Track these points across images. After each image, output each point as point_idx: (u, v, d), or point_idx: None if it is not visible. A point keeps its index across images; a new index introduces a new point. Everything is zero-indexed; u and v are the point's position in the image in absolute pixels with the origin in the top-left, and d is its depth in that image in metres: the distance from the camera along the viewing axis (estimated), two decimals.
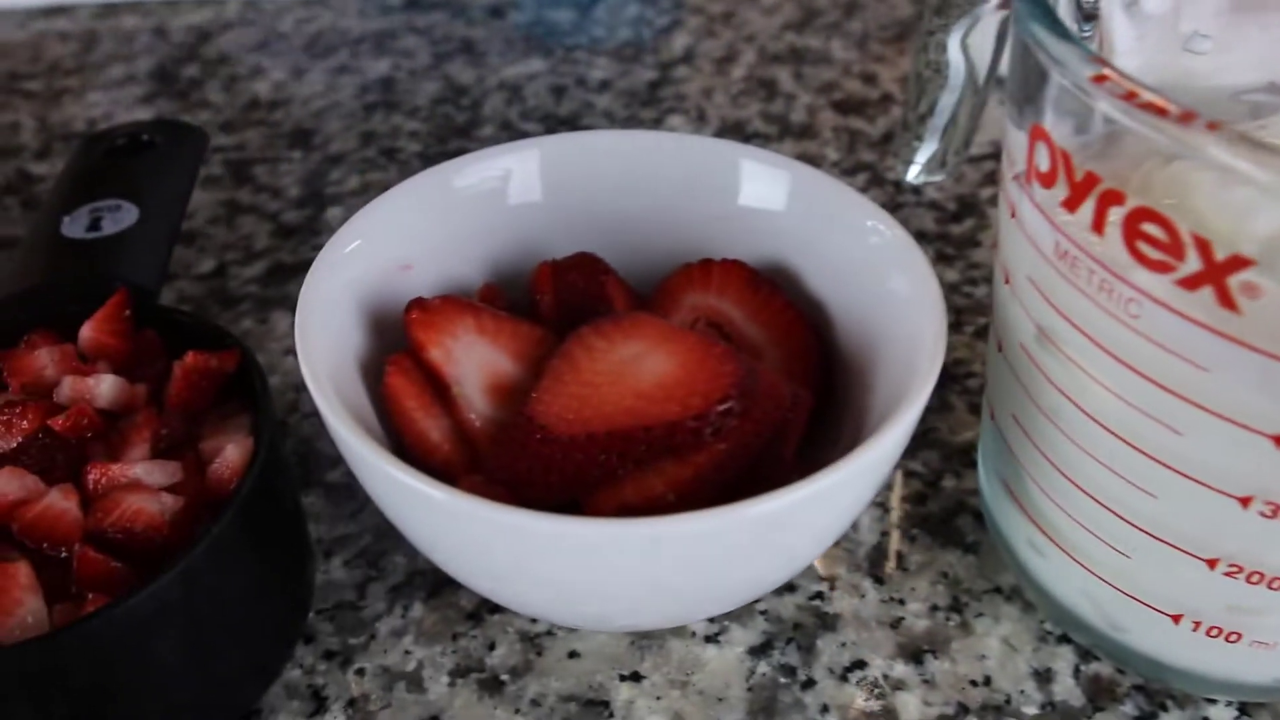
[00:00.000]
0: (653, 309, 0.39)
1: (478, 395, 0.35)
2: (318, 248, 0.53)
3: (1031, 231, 0.32)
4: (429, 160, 0.60)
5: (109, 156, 0.47)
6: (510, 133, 0.61)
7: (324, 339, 0.34)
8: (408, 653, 0.38)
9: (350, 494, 0.43)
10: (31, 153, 0.62)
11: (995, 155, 0.61)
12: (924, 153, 0.44)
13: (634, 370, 0.34)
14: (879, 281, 0.37)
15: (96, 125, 0.63)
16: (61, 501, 0.33)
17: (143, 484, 0.34)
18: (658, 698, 0.36)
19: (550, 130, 0.61)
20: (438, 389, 0.35)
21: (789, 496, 0.30)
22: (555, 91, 0.65)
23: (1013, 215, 0.33)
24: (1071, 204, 0.29)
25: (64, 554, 0.32)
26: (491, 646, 0.38)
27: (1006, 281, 0.34)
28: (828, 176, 0.39)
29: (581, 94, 0.65)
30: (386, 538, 0.41)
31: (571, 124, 0.62)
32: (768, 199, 0.40)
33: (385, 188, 0.53)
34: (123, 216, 0.43)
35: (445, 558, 0.34)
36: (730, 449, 0.33)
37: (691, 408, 0.33)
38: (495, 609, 0.39)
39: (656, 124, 0.62)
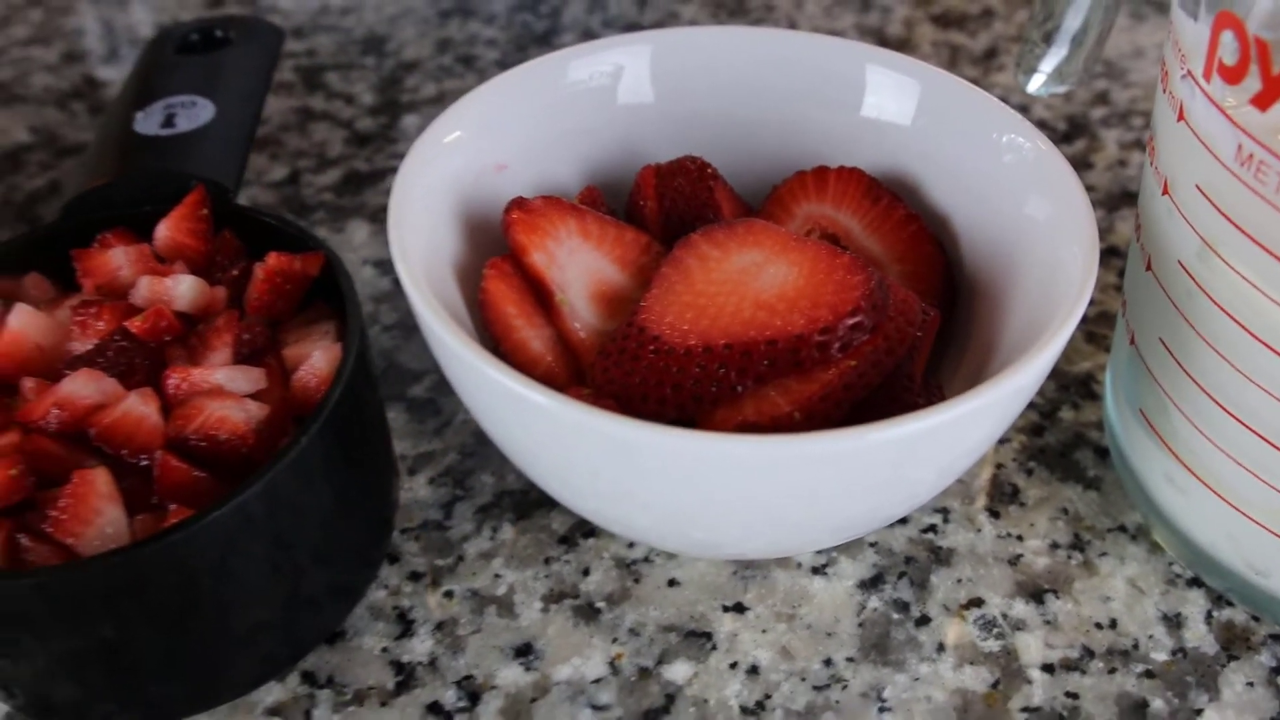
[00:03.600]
0: (763, 218, 0.37)
1: (583, 303, 0.33)
2: (395, 156, 0.51)
3: (1206, 134, 0.29)
4: (507, 69, 0.57)
5: (182, 52, 0.45)
6: None
7: (419, 237, 0.32)
8: (498, 576, 0.36)
9: (434, 410, 0.41)
10: (98, 57, 0.59)
11: (1107, 74, 0.57)
12: (1050, 61, 0.40)
13: (752, 280, 0.32)
14: (1018, 201, 0.34)
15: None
16: (141, 406, 0.31)
17: (225, 390, 0.32)
18: (763, 630, 0.34)
19: None
20: (539, 296, 0.33)
21: (929, 420, 0.27)
22: (638, 0, 0.62)
23: (1180, 118, 0.30)
24: (1263, 101, 0.26)
25: (144, 462, 0.31)
26: (586, 572, 0.36)
27: (1165, 192, 0.31)
28: (965, 84, 0.36)
29: (666, 3, 0.61)
30: (472, 456, 0.39)
31: None
32: (894, 108, 0.37)
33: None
34: (198, 113, 0.41)
35: (546, 473, 0.31)
36: (860, 367, 0.30)
37: (818, 321, 0.30)
38: (590, 533, 0.37)
39: None
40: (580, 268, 0.33)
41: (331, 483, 0.32)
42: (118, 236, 0.37)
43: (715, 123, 0.38)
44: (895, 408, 0.31)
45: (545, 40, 0.59)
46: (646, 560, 0.36)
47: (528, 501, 0.38)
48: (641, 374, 0.31)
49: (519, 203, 0.33)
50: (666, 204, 0.36)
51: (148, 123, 0.40)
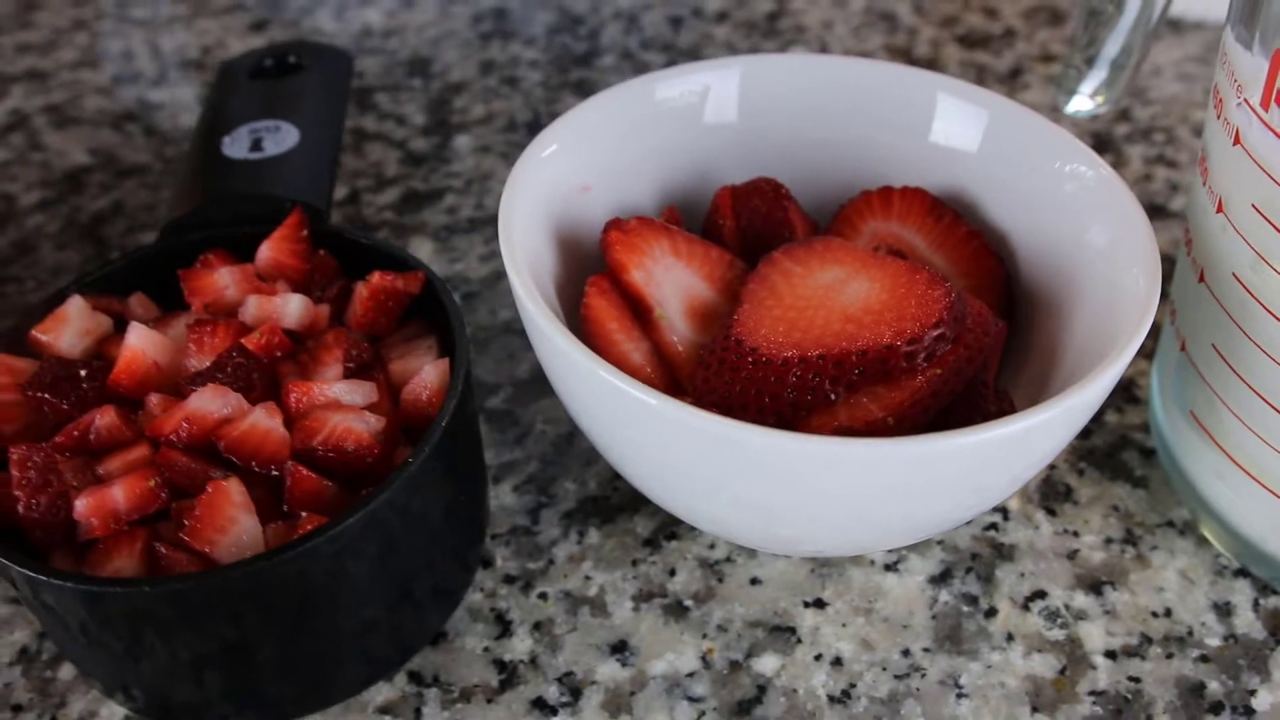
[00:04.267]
0: (831, 235, 0.39)
1: (678, 318, 0.35)
2: (450, 175, 0.53)
3: (1263, 157, 0.31)
4: (552, 90, 0.59)
5: (255, 77, 0.46)
6: (632, 63, 0.60)
7: (525, 249, 0.34)
8: (588, 578, 0.38)
9: (512, 420, 0.43)
10: (149, 80, 0.61)
11: (1128, 92, 0.59)
12: (1090, 83, 0.43)
13: (837, 295, 0.34)
14: (1081, 224, 0.36)
15: (210, 52, 0.63)
16: (266, 420, 0.32)
17: (342, 404, 0.33)
18: (843, 624, 0.36)
19: (673, 61, 0.60)
20: (637, 312, 0.35)
21: (1019, 424, 0.29)
22: (673, 22, 0.64)
23: (1236, 142, 0.32)
24: None
25: (272, 473, 0.32)
26: (672, 573, 0.38)
27: (1219, 210, 0.34)
28: (1030, 112, 0.38)
29: (699, 24, 0.64)
30: (553, 464, 0.41)
31: (693, 55, 0.61)
32: (961, 135, 0.39)
33: (511, 117, 0.53)
34: (283, 138, 0.42)
35: (646, 472, 0.33)
36: (945, 375, 0.33)
37: (905, 332, 0.32)
38: (672, 535, 0.39)
39: None
40: (674, 284, 0.35)
41: (442, 491, 0.34)
42: (218, 257, 0.38)
43: (788, 144, 0.40)
44: (973, 415, 0.34)
45: (585, 62, 0.61)
46: (728, 560, 0.38)
47: (610, 506, 0.40)
48: (741, 383, 0.33)
49: (616, 223, 0.35)
50: (743, 223, 0.38)
51: (235, 147, 0.42)
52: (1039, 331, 0.38)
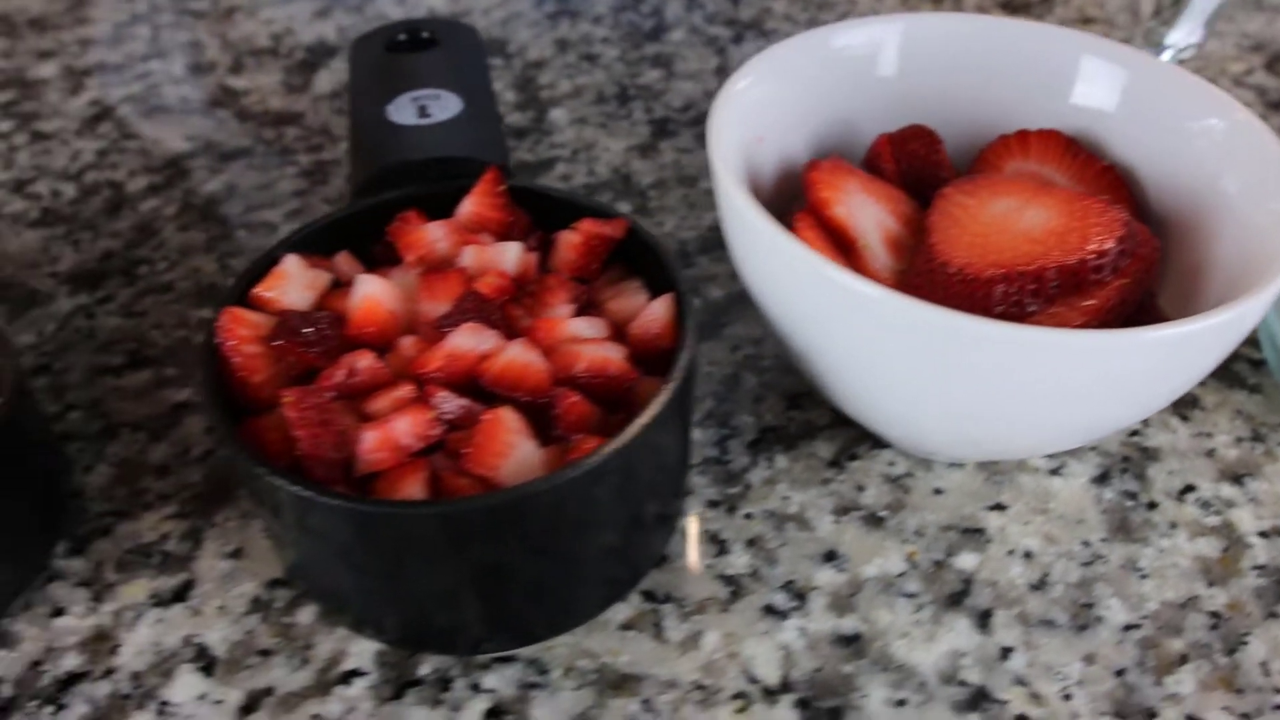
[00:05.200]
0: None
1: (880, 249, 0.38)
2: (555, 146, 0.55)
3: None
4: (631, 64, 0.61)
5: (391, 51, 0.48)
6: (701, 37, 0.63)
7: (734, 178, 0.36)
8: (785, 498, 0.41)
9: None
10: (225, 68, 0.62)
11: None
12: (1174, 35, 0.47)
13: (1015, 221, 0.37)
14: (1216, 169, 0.40)
15: (282, 40, 0.63)
16: (524, 353, 0.34)
17: (585, 338, 0.36)
18: (1025, 523, 0.40)
19: (740, 36, 0.64)
20: (840, 244, 0.38)
21: (1230, 312, 0.32)
22: None
23: None
24: None
25: (534, 402, 0.34)
26: (861, 489, 0.41)
27: None
28: (1173, 68, 0.42)
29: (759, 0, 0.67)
30: (726, 401, 0.44)
31: (757, 27, 0.64)
32: (1100, 95, 0.42)
33: (599, 90, 0.55)
34: (445, 104, 0.44)
35: (857, 376, 0.36)
36: (1130, 283, 0.36)
37: (1092, 248, 0.36)
38: (853, 456, 0.42)
39: None
40: (870, 219, 0.38)
41: (681, 413, 0.36)
42: (416, 215, 0.40)
43: (937, 98, 0.43)
44: (1147, 318, 0.37)
45: (655, 36, 0.64)
46: (909, 475, 0.41)
47: (789, 435, 0.43)
48: (949, 301, 0.36)
49: (815, 164, 0.38)
50: (903, 166, 0.42)
51: (401, 114, 0.44)
52: (1176, 256, 0.42)
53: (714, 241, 0.51)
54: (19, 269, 0.50)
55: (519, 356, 0.34)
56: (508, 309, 0.37)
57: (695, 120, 0.57)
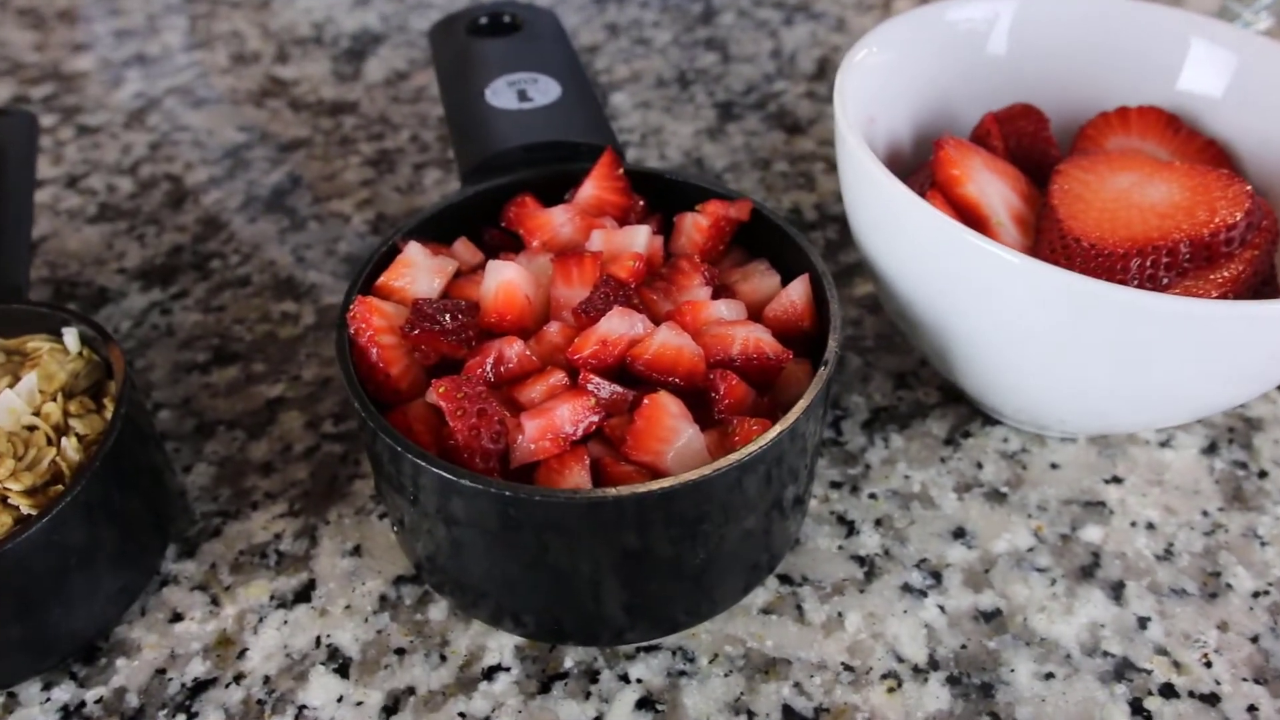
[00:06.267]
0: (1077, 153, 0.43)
1: (1009, 225, 0.38)
2: (622, 130, 0.55)
3: None
4: (685, 48, 0.61)
5: (472, 35, 0.47)
6: (751, 20, 0.63)
7: (867, 148, 0.36)
8: (907, 477, 0.41)
9: None
10: (271, 58, 0.60)
11: None
12: (1252, 12, 0.48)
13: (1139, 196, 0.38)
14: None
15: (324, 29, 0.62)
16: (675, 337, 0.34)
17: (729, 320, 0.35)
18: (1143, 494, 0.40)
19: (790, 19, 0.63)
20: (970, 221, 0.38)
21: None
22: None
23: None
24: None
25: (683, 386, 0.34)
26: (979, 465, 0.41)
27: None
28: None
29: None
30: (835, 381, 0.44)
31: (806, 9, 0.64)
32: (1207, 79, 0.43)
33: (658, 75, 0.55)
34: (544, 88, 0.44)
35: (987, 345, 0.36)
36: (1259, 254, 0.37)
37: (1221, 222, 0.36)
38: (966, 434, 0.42)
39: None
40: (997, 195, 0.38)
41: (829, 396, 0.36)
42: (532, 199, 0.39)
43: (1041, 76, 0.44)
44: (1270, 293, 0.38)
45: (707, 20, 0.63)
46: (1024, 450, 0.42)
47: (901, 414, 0.43)
48: (1084, 275, 0.36)
49: (943, 143, 0.38)
50: (1011, 144, 0.42)
51: (500, 99, 0.43)
52: None
53: (795, 224, 0.51)
54: (84, 266, 0.49)
55: (672, 340, 0.34)
56: (643, 293, 0.37)
57: (758, 104, 0.57)
